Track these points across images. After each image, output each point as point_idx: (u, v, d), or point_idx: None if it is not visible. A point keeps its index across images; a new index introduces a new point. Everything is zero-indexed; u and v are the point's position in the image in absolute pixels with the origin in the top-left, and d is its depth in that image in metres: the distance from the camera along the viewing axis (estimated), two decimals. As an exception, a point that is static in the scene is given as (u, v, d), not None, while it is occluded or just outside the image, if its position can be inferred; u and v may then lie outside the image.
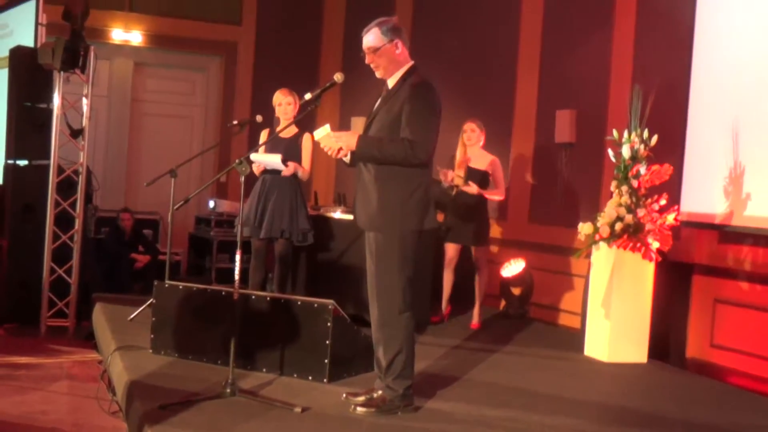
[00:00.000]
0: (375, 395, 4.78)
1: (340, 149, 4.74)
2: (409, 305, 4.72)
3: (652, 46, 7.66)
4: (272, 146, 7.00)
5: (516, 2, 9.35)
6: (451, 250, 7.79)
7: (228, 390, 4.78)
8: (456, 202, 7.66)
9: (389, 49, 4.77)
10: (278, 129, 6.74)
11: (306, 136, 7.05)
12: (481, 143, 7.80)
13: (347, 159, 4.83)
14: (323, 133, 4.76)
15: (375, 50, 4.77)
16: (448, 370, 5.99)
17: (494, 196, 7.81)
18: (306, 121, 6.43)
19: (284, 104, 7.05)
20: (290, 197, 7.00)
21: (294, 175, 6.98)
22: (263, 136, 7.26)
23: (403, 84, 4.77)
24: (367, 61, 4.83)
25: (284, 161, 6.77)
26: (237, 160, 4.98)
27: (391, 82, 4.85)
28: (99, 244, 9.75)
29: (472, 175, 7.64)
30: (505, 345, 7.13)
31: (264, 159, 6.90)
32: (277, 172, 6.89)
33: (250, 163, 6.73)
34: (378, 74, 4.87)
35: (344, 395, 4.95)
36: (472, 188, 7.52)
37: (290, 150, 7.02)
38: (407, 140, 4.61)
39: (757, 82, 6.44)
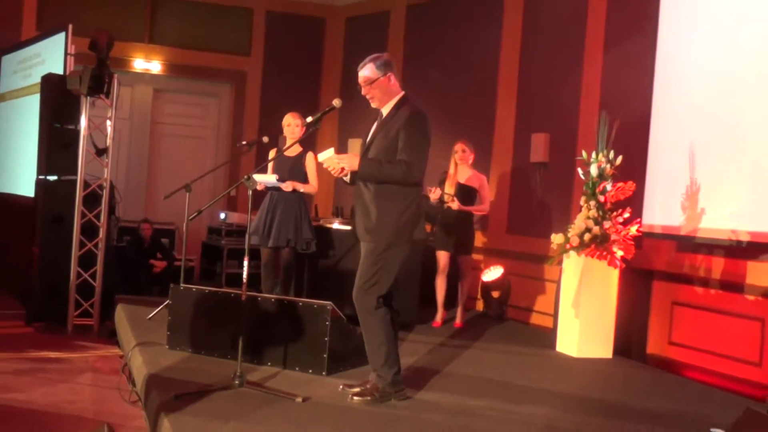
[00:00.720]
0: (369, 386, 4.80)
1: (342, 169, 4.78)
2: (382, 303, 4.73)
3: (617, 78, 7.71)
4: (279, 163, 7.04)
5: (496, 38, 9.40)
6: (443, 257, 7.76)
7: (237, 382, 4.78)
8: (446, 214, 7.68)
9: (383, 82, 4.81)
10: (284, 148, 6.82)
11: (309, 155, 7.09)
12: (471, 161, 7.83)
13: (347, 178, 4.86)
14: (327, 155, 4.80)
15: (370, 82, 4.81)
16: (435, 364, 5.99)
17: (480, 211, 7.88)
18: (308, 141, 6.44)
19: (293, 125, 7.09)
20: (295, 210, 7.03)
21: (298, 190, 7.01)
22: (271, 154, 7.29)
23: (396, 112, 4.81)
24: (363, 92, 4.87)
25: (281, 180, 6.81)
26: (245, 176, 5.01)
27: (385, 111, 4.88)
28: (121, 251, 9.73)
29: (462, 190, 7.68)
30: (485, 343, 7.14)
31: (263, 179, 6.91)
32: (282, 188, 6.92)
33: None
34: (373, 104, 4.91)
35: (341, 386, 4.96)
36: (455, 205, 7.55)
37: (294, 167, 7.06)
38: (404, 162, 4.65)
39: (710, 112, 6.48)
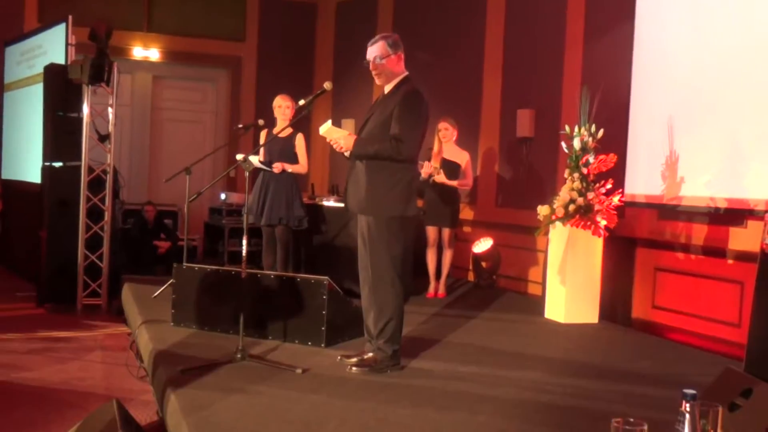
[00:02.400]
0: (366, 356, 4.79)
1: (340, 146, 4.79)
2: (399, 279, 4.72)
3: (598, 54, 7.67)
4: (271, 144, 7.01)
5: (481, 18, 9.35)
6: (432, 232, 7.79)
7: (239, 356, 4.78)
8: (432, 190, 7.68)
9: (391, 60, 4.79)
10: (275, 130, 6.81)
11: (299, 136, 7.07)
12: (455, 138, 7.82)
13: (347, 153, 4.85)
14: (326, 127, 4.80)
15: (378, 59, 4.78)
16: (428, 334, 6.00)
17: (463, 185, 7.88)
18: (303, 121, 6.40)
19: (283, 107, 7.05)
20: (286, 189, 7.00)
21: (287, 170, 6.99)
22: (262, 136, 7.27)
23: (396, 90, 4.79)
24: (371, 68, 4.84)
25: (269, 163, 6.77)
26: (242, 159, 5.02)
27: (387, 88, 4.86)
28: (126, 233, 9.72)
29: (446, 166, 7.67)
30: (476, 311, 7.15)
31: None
32: (272, 169, 6.89)
33: (260, 162, 6.76)
34: (378, 81, 4.88)
35: (339, 357, 4.96)
36: (443, 178, 7.57)
37: (285, 147, 7.04)
38: (393, 138, 4.63)
39: (687, 85, 6.47)
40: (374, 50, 4.80)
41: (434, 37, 10.09)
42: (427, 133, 7.61)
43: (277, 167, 6.87)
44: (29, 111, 9.33)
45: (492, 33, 9.22)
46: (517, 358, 5.38)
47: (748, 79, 5.89)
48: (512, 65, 8.94)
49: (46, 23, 9.58)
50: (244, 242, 4.94)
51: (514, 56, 8.91)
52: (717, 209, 6.11)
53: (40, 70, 8.47)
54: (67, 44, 8.47)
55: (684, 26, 6.55)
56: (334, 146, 4.83)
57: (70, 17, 8.48)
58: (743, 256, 6.00)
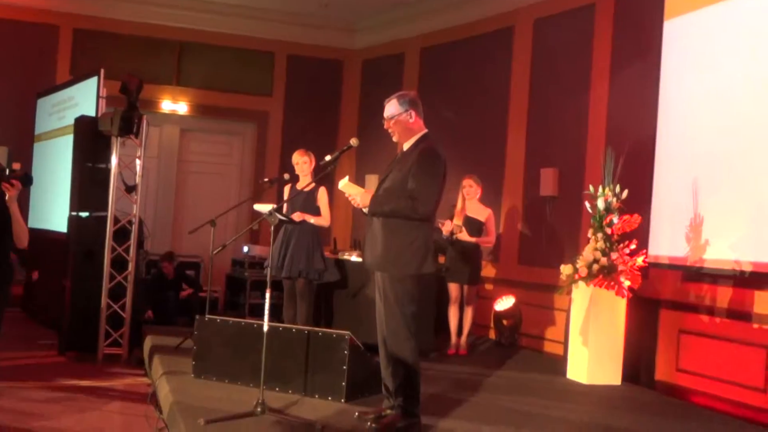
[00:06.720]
0: (385, 413, 4.74)
1: (357, 203, 4.82)
2: (414, 336, 4.69)
3: (622, 114, 7.73)
4: (294, 199, 7.06)
5: (505, 78, 9.46)
6: (454, 289, 7.78)
7: (259, 409, 4.77)
8: (455, 247, 7.68)
9: (403, 118, 4.81)
10: (298, 185, 7.00)
11: (321, 190, 7.12)
12: (478, 196, 7.84)
13: (366, 210, 4.87)
14: (345, 182, 4.85)
15: (391, 117, 4.83)
16: (450, 392, 5.96)
17: (486, 243, 7.88)
18: (326, 176, 6.46)
19: (301, 163, 7.13)
20: (307, 242, 7.02)
21: (311, 223, 7.03)
22: (285, 191, 7.34)
23: (414, 148, 4.80)
24: (385, 126, 4.89)
25: (288, 214, 6.80)
26: (268, 210, 5.07)
27: (405, 146, 4.88)
28: (143, 283, 9.72)
29: (470, 223, 7.69)
30: (498, 370, 7.10)
31: (263, 210, 6.89)
32: (294, 220, 6.92)
33: (281, 214, 6.79)
34: (394, 139, 4.92)
35: (356, 414, 4.92)
36: (465, 235, 7.58)
37: (307, 201, 7.09)
38: (409, 197, 4.64)
39: (712, 146, 6.48)
40: (389, 109, 4.85)
41: (459, 94, 10.20)
42: (451, 190, 7.73)
43: (297, 216, 6.90)
44: (58, 161, 9.47)
45: (517, 91, 9.31)
46: (540, 419, 5.32)
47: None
48: (536, 124, 9.01)
49: (78, 76, 9.78)
50: (267, 296, 4.95)
51: (539, 115, 8.99)
52: (742, 272, 6.06)
53: (71, 121, 8.62)
54: (98, 97, 8.62)
55: (709, 89, 6.59)
56: (352, 202, 4.86)
57: (102, 70, 8.66)
58: (769, 320, 5.95)
